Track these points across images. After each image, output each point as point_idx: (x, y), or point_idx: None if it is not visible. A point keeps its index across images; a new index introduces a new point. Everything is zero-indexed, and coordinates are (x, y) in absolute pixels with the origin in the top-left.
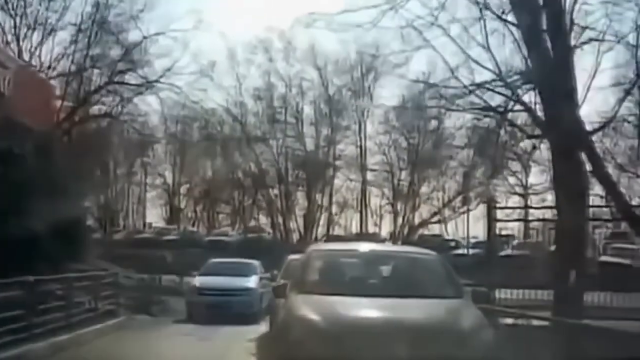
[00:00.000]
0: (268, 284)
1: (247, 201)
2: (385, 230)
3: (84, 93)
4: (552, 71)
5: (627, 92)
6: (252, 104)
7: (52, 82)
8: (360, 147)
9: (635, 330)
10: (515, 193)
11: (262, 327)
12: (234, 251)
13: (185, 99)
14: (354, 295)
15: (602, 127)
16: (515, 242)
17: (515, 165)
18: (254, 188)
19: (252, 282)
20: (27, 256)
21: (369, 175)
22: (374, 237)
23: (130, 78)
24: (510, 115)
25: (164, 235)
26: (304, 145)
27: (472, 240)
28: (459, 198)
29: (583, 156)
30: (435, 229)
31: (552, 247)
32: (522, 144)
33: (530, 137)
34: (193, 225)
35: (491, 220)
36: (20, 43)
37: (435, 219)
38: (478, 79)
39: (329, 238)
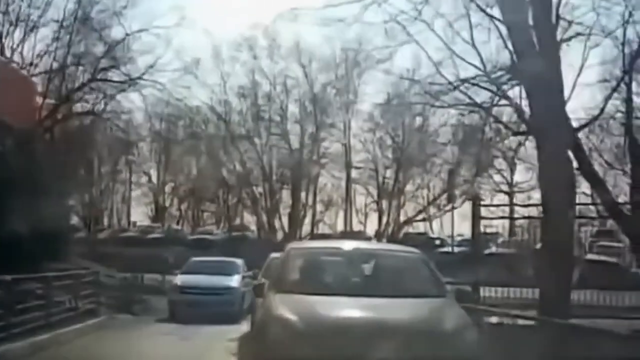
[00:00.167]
0: (251, 282)
1: (232, 200)
2: (371, 228)
3: (66, 90)
4: (538, 66)
5: (614, 89)
6: (236, 102)
7: (34, 79)
8: (345, 145)
9: (622, 330)
10: (501, 191)
11: (244, 327)
12: (218, 249)
13: (169, 97)
14: (333, 294)
15: (589, 123)
16: (500, 240)
17: (501, 163)
18: (238, 186)
19: (234, 281)
20: (7, 255)
21: (354, 173)
22: (360, 235)
23: (113, 75)
24: (495, 112)
25: (149, 233)
26: (289, 143)
27: (458, 238)
28: (444, 196)
29: (570, 153)
30: (420, 227)
31: (538, 245)
32: (507, 142)
33: (515, 133)
34: (178, 223)
35: (476, 217)
36: (2, 40)
37: (421, 217)
38: (463, 75)
39: (314, 236)
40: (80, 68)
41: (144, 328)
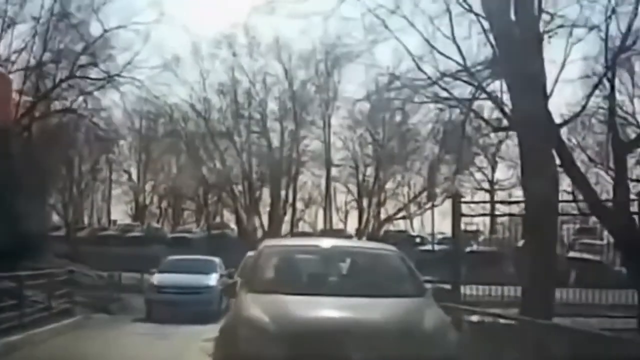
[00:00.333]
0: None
1: (211, 198)
2: (352, 226)
3: (44, 88)
4: (520, 60)
5: (596, 85)
6: (216, 99)
7: (11, 76)
8: (326, 142)
9: (603, 330)
10: (482, 189)
11: None
12: (197, 248)
13: (148, 94)
14: (307, 294)
15: (571, 119)
16: (481, 237)
17: (482, 161)
18: (218, 185)
19: (212, 279)
20: None
21: (335, 171)
22: (340, 233)
23: (91, 72)
24: (476, 108)
25: (128, 232)
26: (269, 141)
27: (439, 236)
28: (425, 193)
29: (552, 149)
30: (401, 224)
31: (520, 243)
32: (488, 139)
33: (496, 129)
34: (158, 222)
35: (457, 215)
36: None
37: (401, 214)
38: (444, 71)
39: (294, 234)
40: (58, 65)
41: (119, 328)
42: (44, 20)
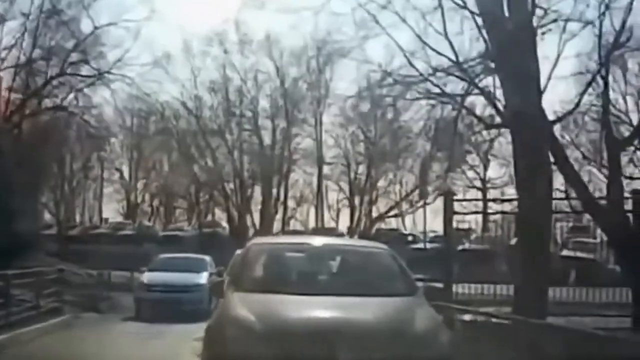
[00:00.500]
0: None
1: (203, 196)
2: (343, 224)
3: (34, 85)
4: (514, 55)
5: (590, 82)
6: (207, 97)
7: (2, 73)
8: (317, 140)
9: (597, 329)
10: (474, 187)
11: None
12: (189, 246)
13: (139, 91)
14: (296, 293)
15: (565, 116)
16: (473, 236)
17: (474, 159)
18: (210, 183)
19: (202, 278)
20: None
21: (326, 169)
22: (332, 232)
23: (82, 70)
24: (468, 105)
25: (120, 230)
26: (260, 139)
27: (431, 235)
28: (417, 192)
29: (546, 146)
30: (393, 223)
31: (512, 241)
32: (480, 137)
33: (489, 127)
34: (150, 220)
35: (448, 213)
36: None
37: (393, 212)
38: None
39: (285, 233)
40: (49, 62)
41: (108, 327)
42: (34, 17)
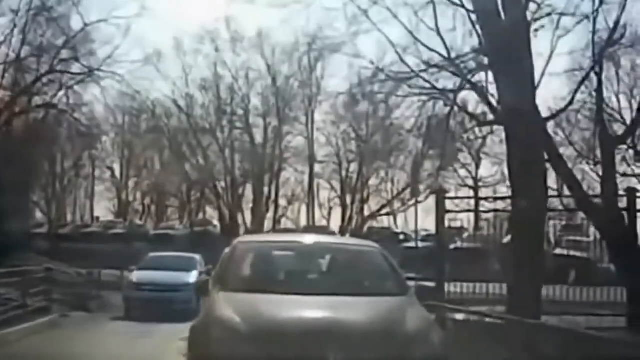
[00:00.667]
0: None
1: (194, 195)
2: (335, 223)
3: (23, 82)
4: (508, 49)
5: (584, 78)
6: (199, 95)
7: None
8: (309, 138)
9: (591, 328)
10: (466, 185)
11: None
12: (180, 245)
13: (130, 89)
14: (283, 293)
15: (559, 112)
16: (466, 234)
17: (466, 158)
18: (201, 181)
19: (192, 277)
20: None
21: (318, 168)
22: (323, 230)
23: (73, 67)
24: (460, 102)
25: (111, 229)
26: (252, 137)
27: (423, 233)
28: (408, 190)
29: (540, 143)
30: (384, 221)
31: (505, 240)
32: (472, 136)
33: (482, 124)
34: (141, 219)
35: (440, 211)
36: None
37: (385, 211)
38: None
39: (277, 231)
40: (40, 59)
41: (97, 326)
42: (23, 13)
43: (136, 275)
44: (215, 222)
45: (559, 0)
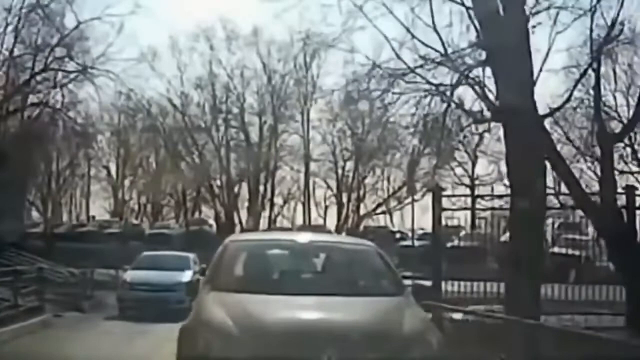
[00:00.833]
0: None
1: (190, 193)
2: (331, 221)
3: (17, 80)
4: (507, 43)
5: (582, 74)
6: (194, 93)
7: None
8: (304, 137)
9: (590, 328)
10: (462, 184)
11: None
12: (175, 244)
13: (125, 88)
14: (275, 293)
15: (557, 109)
16: (462, 233)
17: (463, 156)
18: (197, 180)
19: (186, 276)
20: None
21: (313, 166)
22: (320, 229)
23: (68, 65)
24: (457, 99)
25: (106, 228)
26: (247, 136)
27: (419, 232)
28: (405, 188)
29: (539, 140)
30: (381, 220)
31: (502, 238)
32: (469, 134)
33: (479, 121)
34: (137, 218)
35: (438, 208)
36: None
37: (381, 210)
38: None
39: (272, 230)
40: (35, 57)
41: (90, 326)
42: (16, 11)
43: (130, 275)
44: (211, 221)
45: None
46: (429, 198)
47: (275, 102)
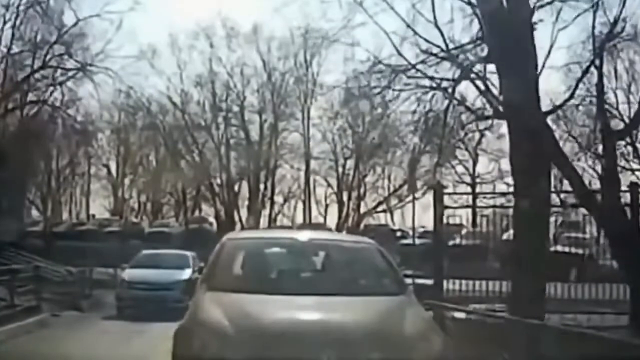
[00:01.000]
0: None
1: (190, 192)
2: (332, 220)
3: (15, 78)
4: (510, 38)
5: (585, 71)
6: (194, 91)
7: None
8: (305, 135)
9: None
10: (464, 182)
11: None
12: (175, 242)
13: (125, 86)
14: (273, 293)
15: (560, 106)
16: (464, 231)
17: (464, 154)
18: (197, 178)
19: (184, 275)
20: None
21: (314, 164)
22: (320, 227)
23: (67, 63)
24: (459, 96)
25: (106, 226)
26: (247, 134)
27: (420, 230)
28: (405, 186)
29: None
30: (381, 218)
31: (504, 236)
32: (470, 132)
33: (480, 118)
34: (137, 216)
35: (439, 206)
36: None
37: (382, 208)
38: (425, 57)
39: (272, 228)
40: (35, 55)
41: (88, 326)
42: (14, 8)
43: (128, 274)
44: (211, 219)
45: None
46: (429, 196)
47: (275, 100)
